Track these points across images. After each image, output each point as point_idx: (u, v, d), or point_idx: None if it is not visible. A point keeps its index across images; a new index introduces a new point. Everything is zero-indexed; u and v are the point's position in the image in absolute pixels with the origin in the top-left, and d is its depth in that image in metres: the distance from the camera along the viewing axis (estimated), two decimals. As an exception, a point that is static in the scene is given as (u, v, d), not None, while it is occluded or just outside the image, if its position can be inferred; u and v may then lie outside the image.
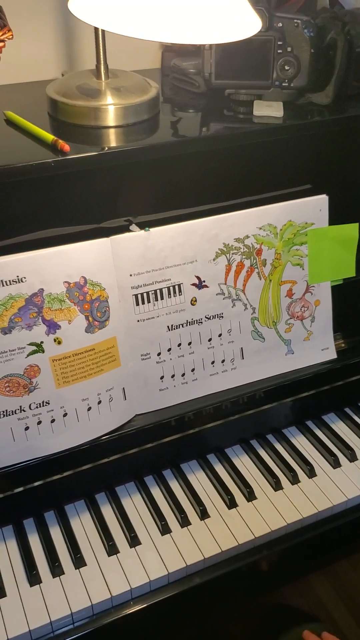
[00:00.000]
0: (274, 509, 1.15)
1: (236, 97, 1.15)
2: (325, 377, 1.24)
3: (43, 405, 1.02)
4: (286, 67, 1.12)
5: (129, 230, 1.03)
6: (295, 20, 1.09)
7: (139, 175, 1.06)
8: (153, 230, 1.04)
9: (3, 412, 0.99)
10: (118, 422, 1.09)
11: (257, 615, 1.30)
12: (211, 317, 1.13)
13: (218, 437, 1.23)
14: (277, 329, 1.20)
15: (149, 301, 1.07)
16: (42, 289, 0.98)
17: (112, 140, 1.04)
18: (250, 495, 1.17)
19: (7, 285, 0.96)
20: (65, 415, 1.04)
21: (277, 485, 1.19)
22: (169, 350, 1.11)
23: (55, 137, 0.98)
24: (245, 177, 1.13)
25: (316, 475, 1.21)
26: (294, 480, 1.20)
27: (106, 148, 1.01)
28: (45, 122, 1.07)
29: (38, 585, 1.02)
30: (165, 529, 1.10)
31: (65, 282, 1.00)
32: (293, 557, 1.14)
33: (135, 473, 1.18)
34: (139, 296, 1.07)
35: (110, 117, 1.06)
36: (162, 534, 1.10)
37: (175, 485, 1.18)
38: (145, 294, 1.07)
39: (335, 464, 1.23)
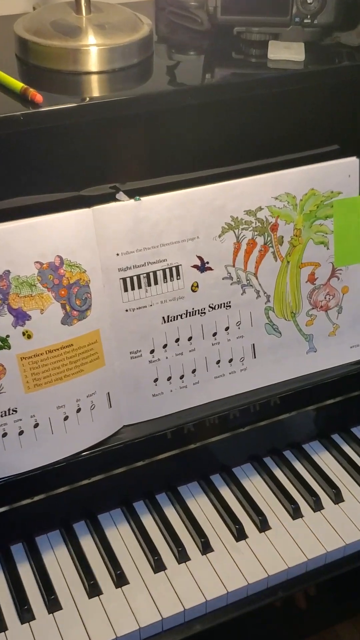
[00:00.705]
0: (291, 541, 1.15)
1: (247, 37, 1.15)
2: (356, 380, 1.24)
3: (9, 414, 1.01)
4: (308, 0, 1.11)
5: (116, 200, 1.03)
6: None
7: (128, 133, 1.06)
8: (145, 199, 1.04)
9: None
10: (101, 435, 1.09)
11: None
12: (216, 307, 1.13)
13: (224, 454, 1.24)
14: (296, 322, 1.20)
15: (139, 286, 1.07)
16: (8, 271, 0.98)
17: (95, 89, 1.05)
18: (262, 525, 1.16)
19: None
20: (36, 425, 1.03)
21: (295, 513, 1.19)
22: (165, 346, 1.11)
23: (25, 85, 0.98)
24: (257, 135, 1.13)
25: (344, 501, 1.21)
26: (317, 506, 1.20)
27: (87, 99, 1.01)
28: (12, 67, 1.06)
29: (3, 633, 1.02)
30: (158, 566, 1.10)
31: (37, 262, 0.99)
32: (315, 602, 1.15)
33: (123, 498, 1.18)
34: (128, 280, 1.06)
35: (93, 61, 1.05)
36: (155, 572, 1.09)
37: (171, 513, 1.18)
38: (135, 278, 1.06)
39: (368, 486, 1.25)
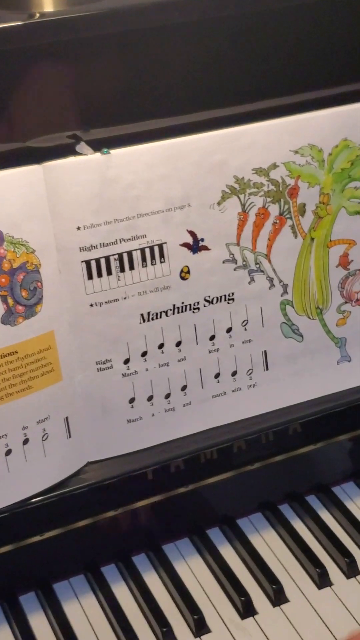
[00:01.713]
0: (316, 618, 1.14)
1: None
2: None
3: None
4: None
5: (76, 154, 1.03)
6: None
7: (94, 62, 1.06)
8: (116, 152, 1.04)
9: None
10: (58, 475, 1.09)
11: None
12: (214, 300, 1.13)
13: (226, 501, 1.24)
14: (323, 321, 1.20)
15: (109, 272, 1.07)
16: None
17: (48, 2, 1.06)
18: (277, 596, 1.16)
19: None
20: (-33, 463, 1.04)
21: (322, 580, 1.19)
22: (144, 355, 1.11)
23: None
24: (271, 64, 1.14)
25: None
26: (351, 571, 1.20)
27: (37, 15, 1.02)
28: None
29: None
30: (136, 653, 1.11)
31: (-34, 238, 1.00)
32: None
33: (88, 560, 1.19)
34: (93, 264, 1.06)
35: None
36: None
37: (153, 581, 1.18)
38: (102, 261, 1.07)
39: None
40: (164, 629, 1.10)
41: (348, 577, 1.19)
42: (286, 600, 1.16)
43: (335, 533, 1.24)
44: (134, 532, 1.20)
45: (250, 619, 1.14)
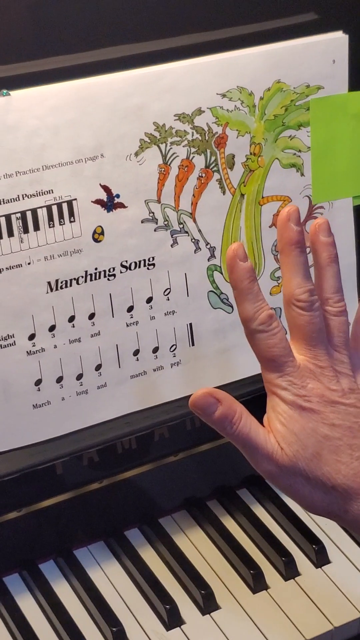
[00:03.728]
0: (252, 625, 1.16)
1: None
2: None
3: None
4: None
5: None
6: None
7: None
8: (16, 94, 1.04)
9: None
10: None
11: None
12: (132, 266, 1.14)
13: (146, 497, 1.25)
14: None
15: (10, 234, 1.06)
16: None
17: None
18: (207, 602, 1.17)
19: None
20: None
21: (257, 582, 1.20)
22: (52, 329, 1.11)
23: None
24: None
25: (330, 563, 1.24)
26: (289, 571, 1.21)
27: None
28: None
29: None
30: None
31: None
32: None
33: None
34: None
35: None
36: None
37: (64, 590, 1.19)
38: (3, 220, 1.06)
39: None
40: (78, 645, 1.11)
41: (286, 579, 1.21)
42: (217, 608, 1.17)
43: (271, 529, 1.26)
44: (41, 536, 1.20)
45: (177, 629, 1.15)
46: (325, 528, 1.27)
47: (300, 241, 0.93)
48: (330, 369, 0.92)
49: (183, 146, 1.12)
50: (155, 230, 1.13)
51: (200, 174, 1.14)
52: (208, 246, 1.16)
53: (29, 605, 1.16)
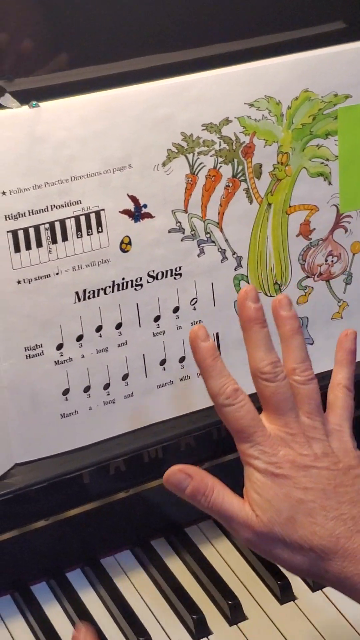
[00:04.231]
0: None
1: None
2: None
3: None
4: None
5: (0, 107, 1.03)
6: None
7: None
8: (46, 105, 1.04)
9: None
10: None
11: None
12: (159, 276, 1.13)
13: (173, 505, 1.21)
14: None
15: (39, 244, 1.06)
16: None
17: None
18: (234, 613, 1.17)
19: None
20: None
21: (284, 594, 1.19)
22: (80, 339, 1.11)
23: None
24: (221, 6, 1.14)
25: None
26: (317, 583, 1.20)
27: None
28: None
29: None
30: None
31: None
32: None
33: (15, 578, 1.19)
34: (20, 234, 1.05)
35: None
36: None
37: (90, 599, 1.18)
38: (31, 231, 1.06)
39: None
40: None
41: (314, 590, 1.20)
42: (244, 618, 1.17)
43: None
44: (68, 545, 1.20)
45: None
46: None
47: (259, 317, 0.97)
48: (302, 435, 0.94)
49: (210, 156, 1.11)
50: (182, 240, 1.13)
51: (227, 184, 1.13)
52: (235, 256, 1.16)
53: (56, 614, 1.16)
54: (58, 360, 1.10)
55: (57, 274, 1.07)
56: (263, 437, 0.93)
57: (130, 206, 1.09)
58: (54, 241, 1.06)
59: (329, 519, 0.91)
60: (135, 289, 1.12)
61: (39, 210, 1.05)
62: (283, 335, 0.99)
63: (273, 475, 0.92)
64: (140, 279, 1.12)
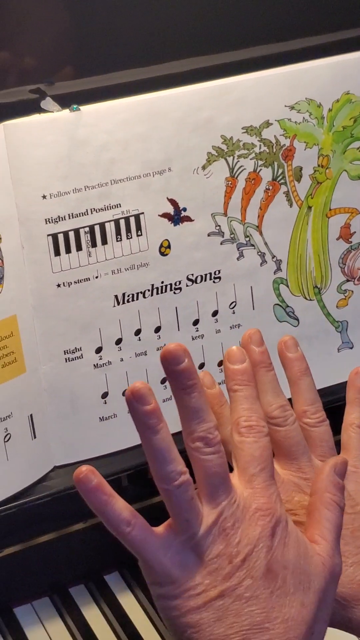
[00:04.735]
0: None
1: None
2: None
3: None
4: None
5: (42, 110, 1.03)
6: None
7: (58, 4, 1.07)
8: (86, 109, 1.04)
9: None
10: (21, 482, 1.09)
11: None
12: (198, 279, 1.14)
13: None
14: (322, 302, 1.21)
15: (79, 248, 1.07)
16: None
17: None
18: None
19: None
20: None
21: None
22: (119, 342, 1.11)
23: None
24: (262, 8, 1.14)
25: None
26: None
27: None
28: None
29: None
30: None
31: None
32: None
33: (53, 581, 1.19)
34: (61, 238, 1.06)
35: None
36: None
37: (128, 601, 1.18)
38: (71, 234, 1.06)
39: None
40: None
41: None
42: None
43: None
44: (105, 548, 1.17)
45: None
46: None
47: (264, 361, 0.95)
48: None
49: (250, 159, 1.12)
50: (221, 244, 1.13)
51: (267, 187, 1.13)
52: (274, 259, 1.16)
53: (94, 616, 1.16)
54: (97, 364, 1.10)
55: (96, 277, 1.08)
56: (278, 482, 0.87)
57: (170, 209, 1.10)
58: (94, 245, 1.07)
59: (348, 565, 0.89)
60: (174, 293, 1.12)
61: (79, 213, 1.05)
62: (291, 377, 0.98)
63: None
64: (180, 282, 1.12)
